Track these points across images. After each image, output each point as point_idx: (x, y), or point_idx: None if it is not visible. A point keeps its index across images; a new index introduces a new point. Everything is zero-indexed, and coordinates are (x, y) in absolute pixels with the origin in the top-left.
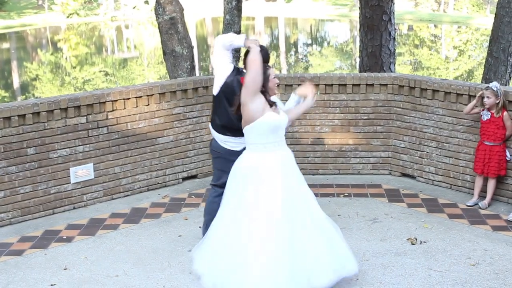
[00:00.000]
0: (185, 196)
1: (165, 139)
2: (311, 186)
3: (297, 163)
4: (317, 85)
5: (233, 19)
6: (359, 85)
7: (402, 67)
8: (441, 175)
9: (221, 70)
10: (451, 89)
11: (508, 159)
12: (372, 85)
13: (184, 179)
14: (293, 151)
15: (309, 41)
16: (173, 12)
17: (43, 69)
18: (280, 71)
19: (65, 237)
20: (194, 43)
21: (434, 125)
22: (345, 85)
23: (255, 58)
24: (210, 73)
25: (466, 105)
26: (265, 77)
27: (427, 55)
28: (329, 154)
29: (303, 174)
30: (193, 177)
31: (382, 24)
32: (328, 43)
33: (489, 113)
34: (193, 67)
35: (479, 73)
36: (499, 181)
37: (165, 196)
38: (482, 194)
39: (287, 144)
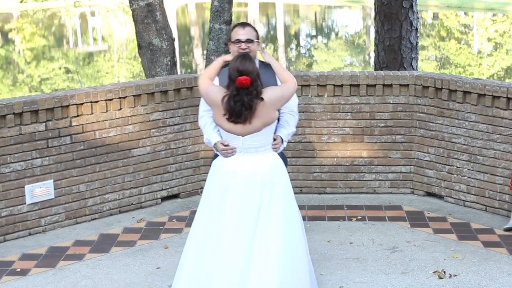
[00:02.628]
0: (165, 220)
1: (140, 150)
2: (316, 207)
3: (301, 179)
4: (323, 86)
5: (222, 6)
6: (374, 85)
7: (426, 64)
8: (474, 195)
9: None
10: (485, 91)
11: None
12: (390, 85)
13: (164, 199)
14: (295, 165)
15: (313, 32)
16: None
17: None
18: None
19: (18, 270)
20: (175, 34)
21: (465, 134)
22: (357, 85)
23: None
24: (194, 71)
25: (504, 109)
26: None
27: (455, 49)
28: (338, 169)
29: (307, 192)
30: (175, 196)
31: (402, 12)
32: (337, 34)
33: None
34: (174, 64)
35: None
36: None
37: (141, 220)
38: None
39: (289, 157)
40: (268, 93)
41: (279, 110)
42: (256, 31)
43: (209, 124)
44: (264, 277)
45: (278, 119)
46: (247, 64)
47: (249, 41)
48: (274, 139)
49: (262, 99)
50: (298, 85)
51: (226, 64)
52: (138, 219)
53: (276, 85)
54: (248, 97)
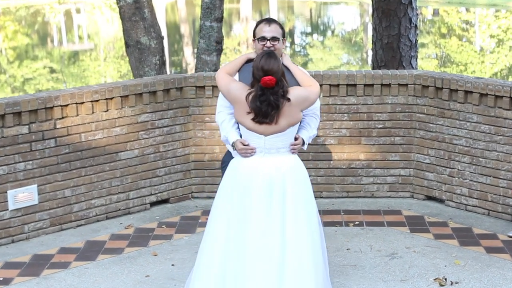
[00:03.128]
0: (154, 226)
1: (128, 154)
2: None
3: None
4: (319, 86)
5: (213, 3)
6: (372, 85)
7: (426, 62)
8: (476, 198)
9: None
10: (488, 90)
11: None
12: (389, 85)
13: (153, 204)
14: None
15: (309, 29)
16: None
17: None
18: None
19: (1, 279)
20: (164, 32)
21: (466, 135)
22: (354, 85)
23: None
24: (184, 70)
25: (507, 110)
26: None
27: (457, 47)
28: (335, 172)
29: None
30: (164, 201)
31: (400, 9)
32: (333, 31)
33: None
34: (163, 63)
35: None
36: None
37: (129, 226)
38: None
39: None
40: (294, 93)
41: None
42: (282, 28)
43: (228, 121)
44: (300, 281)
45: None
46: (272, 63)
47: (274, 39)
48: (296, 139)
49: (289, 99)
50: None
51: (248, 60)
52: (126, 225)
53: (297, 85)
54: (274, 97)
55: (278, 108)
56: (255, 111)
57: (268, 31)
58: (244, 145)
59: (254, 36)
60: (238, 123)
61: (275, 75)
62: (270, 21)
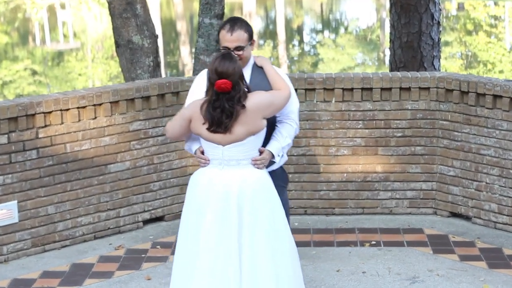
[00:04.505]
0: (147, 247)
1: (119, 166)
2: (324, 231)
3: (305, 198)
4: (331, 90)
5: None
6: (390, 89)
7: (450, 62)
8: (507, 215)
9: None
10: None
11: None
12: (409, 89)
13: (146, 222)
14: (298, 181)
15: (319, 26)
16: None
17: None
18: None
19: None
20: (158, 30)
21: (495, 144)
22: (370, 89)
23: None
24: (181, 72)
25: None
26: None
27: (484, 45)
28: (349, 186)
29: (312, 214)
30: (159, 219)
31: (421, 3)
32: (346, 28)
33: None
34: (157, 65)
35: None
36: None
37: (119, 247)
38: None
39: (291, 173)
40: (254, 99)
41: (272, 118)
42: (248, 31)
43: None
44: None
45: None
46: (227, 65)
47: (239, 48)
48: (260, 153)
49: (243, 106)
50: (301, 89)
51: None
52: (116, 246)
53: (269, 89)
54: (230, 103)
55: (232, 116)
56: (209, 119)
57: (230, 40)
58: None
59: (216, 41)
60: None
61: (231, 78)
62: (232, 27)
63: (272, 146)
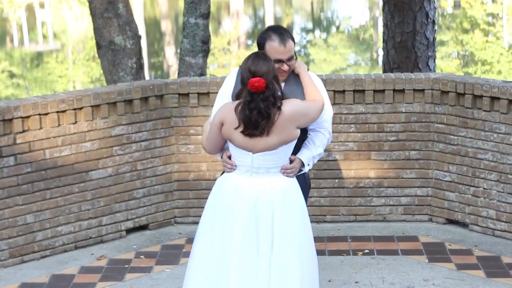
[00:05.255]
0: (131, 257)
1: (100, 173)
2: (315, 239)
3: None
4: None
5: None
6: (383, 91)
7: (446, 62)
8: (506, 222)
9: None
10: None
11: None
12: (403, 91)
13: (129, 231)
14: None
15: (310, 25)
16: None
17: None
18: None
19: None
20: (142, 30)
21: (493, 148)
22: (363, 91)
23: None
24: (166, 74)
25: None
26: None
27: (481, 44)
28: (340, 192)
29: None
30: (143, 228)
31: (416, 2)
32: (338, 28)
33: None
34: (140, 66)
35: None
36: None
37: (101, 257)
38: None
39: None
40: (290, 105)
41: (304, 129)
42: (293, 39)
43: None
44: None
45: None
46: (261, 64)
47: (291, 58)
48: (291, 161)
49: (279, 108)
50: None
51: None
52: (98, 256)
53: (302, 98)
54: (265, 104)
55: (270, 117)
56: (244, 121)
57: (284, 52)
58: (228, 157)
59: (260, 49)
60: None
61: (264, 76)
62: (284, 39)
63: (304, 155)
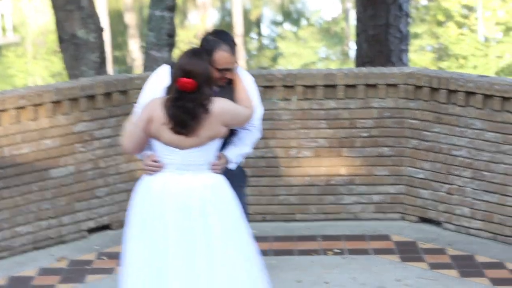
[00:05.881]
0: (92, 258)
1: (61, 171)
2: (284, 238)
3: (264, 204)
4: (291, 87)
5: None
6: (355, 86)
7: (419, 56)
8: (480, 220)
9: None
10: (493, 91)
11: None
12: (375, 86)
13: (91, 231)
14: (256, 185)
15: (279, 18)
16: None
17: None
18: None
19: None
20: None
21: (468, 144)
22: (334, 86)
23: None
24: (130, 69)
25: None
26: None
27: (456, 37)
28: (311, 190)
29: (272, 220)
30: (105, 228)
31: None
32: (308, 20)
33: None
34: (103, 61)
35: None
36: None
37: (61, 258)
38: None
39: (250, 176)
40: (220, 104)
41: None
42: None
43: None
44: None
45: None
46: (198, 64)
47: (235, 65)
48: (219, 158)
49: (207, 110)
50: (259, 86)
51: None
52: (58, 257)
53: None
54: (192, 105)
55: (197, 118)
56: (172, 118)
57: (232, 62)
58: (153, 160)
59: (208, 54)
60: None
61: (198, 78)
62: (233, 48)
63: (231, 152)
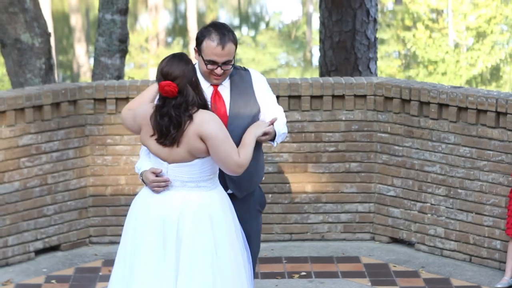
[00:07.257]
0: (41, 281)
1: (6, 187)
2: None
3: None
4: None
5: None
6: (321, 97)
7: (386, 62)
8: (455, 241)
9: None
10: (468, 103)
11: None
12: (342, 96)
13: (39, 252)
14: None
15: (236, 21)
16: None
17: None
18: None
19: None
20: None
21: (441, 160)
22: (298, 97)
23: None
24: (76, 75)
25: (493, 127)
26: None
27: (425, 43)
28: (274, 208)
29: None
30: (54, 249)
31: None
32: (267, 24)
33: None
34: (50, 67)
35: None
36: None
37: (7, 282)
38: None
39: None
40: (207, 119)
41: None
42: (236, 42)
43: (145, 149)
44: None
45: None
46: (175, 66)
47: (227, 63)
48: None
49: (190, 117)
50: None
51: None
52: (3, 281)
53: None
54: (176, 112)
55: (180, 126)
56: (157, 128)
57: (221, 55)
58: (157, 175)
59: (197, 47)
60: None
61: (178, 80)
62: (224, 40)
63: (277, 124)
